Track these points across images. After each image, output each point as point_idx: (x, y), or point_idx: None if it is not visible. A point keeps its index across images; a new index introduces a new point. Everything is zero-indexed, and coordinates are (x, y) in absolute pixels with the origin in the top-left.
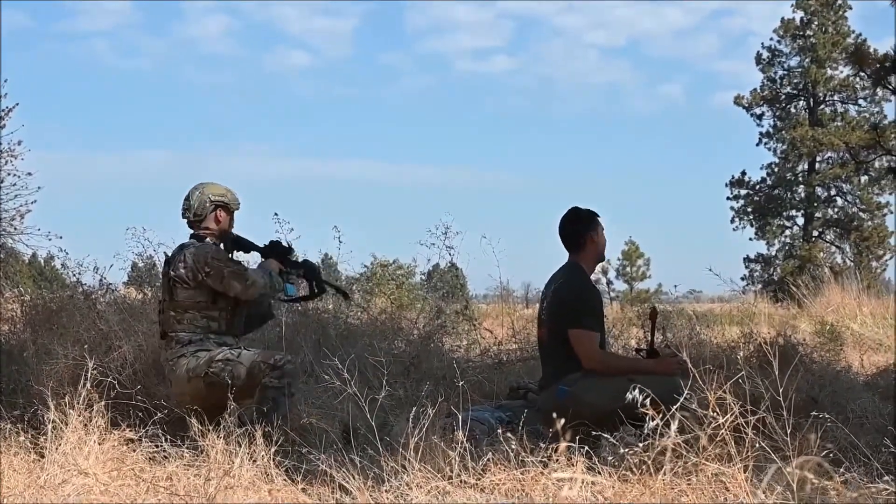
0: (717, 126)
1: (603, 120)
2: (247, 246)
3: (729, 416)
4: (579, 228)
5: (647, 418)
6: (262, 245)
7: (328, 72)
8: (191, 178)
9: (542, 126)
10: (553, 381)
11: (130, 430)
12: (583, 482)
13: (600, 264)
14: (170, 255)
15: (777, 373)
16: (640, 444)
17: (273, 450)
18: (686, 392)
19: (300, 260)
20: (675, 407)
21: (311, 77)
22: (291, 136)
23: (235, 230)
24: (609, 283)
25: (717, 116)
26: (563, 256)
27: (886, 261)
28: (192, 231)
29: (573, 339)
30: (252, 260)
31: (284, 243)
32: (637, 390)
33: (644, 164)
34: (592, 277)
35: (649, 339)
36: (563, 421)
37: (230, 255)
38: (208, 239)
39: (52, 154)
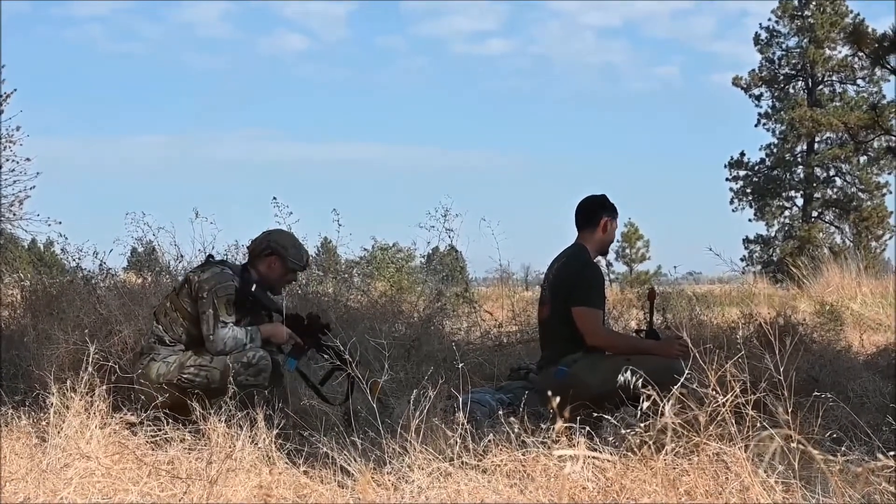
0: (715, 107)
1: (599, 101)
2: (267, 305)
3: (730, 395)
4: (599, 209)
5: (642, 399)
6: (287, 314)
7: (325, 55)
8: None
9: (539, 107)
10: (552, 361)
11: (132, 414)
12: (585, 460)
13: (600, 256)
14: (211, 259)
15: (777, 352)
16: (641, 425)
17: (274, 433)
18: (687, 372)
19: (335, 346)
20: (675, 388)
21: (308, 60)
22: (289, 119)
23: None
24: (608, 265)
25: (715, 97)
26: (563, 237)
27: (886, 241)
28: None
29: (577, 316)
30: None
31: (323, 321)
32: (630, 371)
33: (642, 145)
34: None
35: (648, 320)
36: (558, 399)
37: (248, 298)
38: (255, 275)
39: (50, 139)
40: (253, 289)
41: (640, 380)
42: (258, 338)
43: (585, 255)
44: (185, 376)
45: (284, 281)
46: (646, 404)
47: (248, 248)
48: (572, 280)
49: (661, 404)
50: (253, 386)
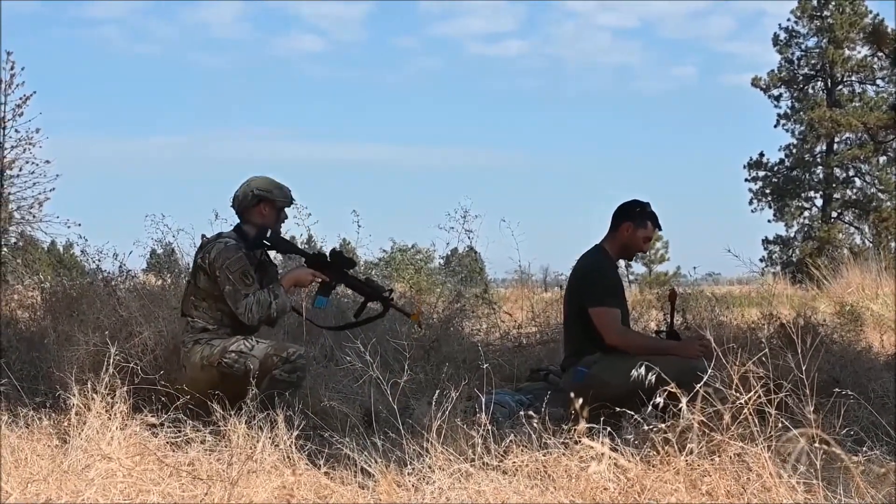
0: (733, 107)
1: (616, 101)
2: (286, 248)
3: (752, 393)
4: (623, 214)
5: (654, 396)
6: (311, 252)
7: (340, 55)
8: (205, 164)
9: (555, 107)
10: (572, 362)
11: (152, 416)
12: (609, 458)
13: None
14: (205, 238)
15: (800, 351)
16: (663, 425)
17: (295, 434)
18: (710, 371)
19: (363, 279)
20: (698, 386)
21: (324, 61)
22: (305, 119)
23: None
24: (628, 265)
25: (733, 98)
26: (582, 237)
27: None
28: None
29: (594, 316)
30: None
31: (346, 255)
32: (650, 371)
33: (660, 145)
34: None
35: (669, 321)
36: (580, 401)
37: (259, 256)
38: (250, 231)
39: (67, 140)
40: (268, 236)
41: (657, 378)
42: (281, 292)
43: (599, 256)
44: (225, 360)
45: (280, 221)
46: (659, 399)
47: (232, 206)
48: (584, 280)
49: (682, 404)
50: (286, 383)
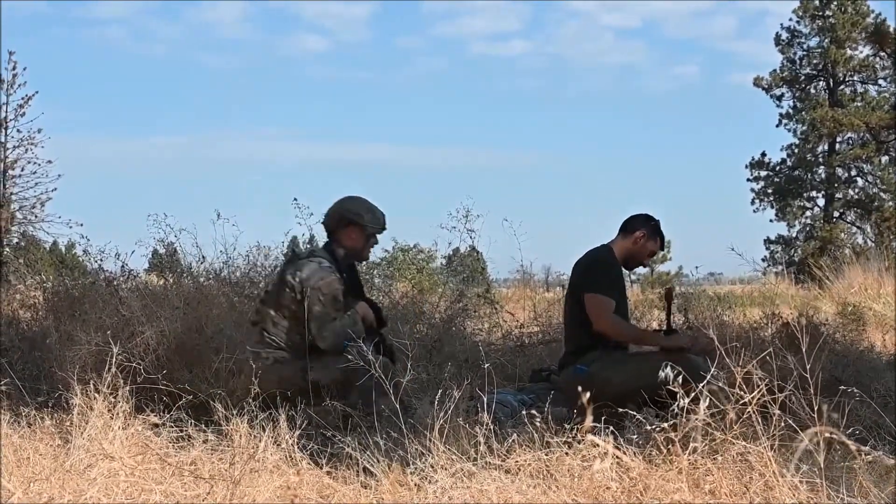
0: (735, 107)
1: (619, 100)
2: (355, 289)
3: (756, 392)
4: (638, 222)
5: (656, 395)
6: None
7: (344, 56)
8: (208, 163)
9: (558, 107)
10: (572, 359)
11: (155, 415)
12: (613, 457)
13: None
14: (296, 250)
15: (804, 351)
16: (666, 424)
17: (297, 433)
18: (713, 370)
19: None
20: (700, 386)
21: (328, 61)
22: (308, 119)
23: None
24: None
25: (735, 97)
26: (584, 237)
27: None
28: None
29: (588, 301)
30: None
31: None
32: (648, 367)
33: (662, 145)
34: None
35: (667, 319)
36: (587, 395)
37: (342, 285)
38: (339, 251)
39: (70, 140)
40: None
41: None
42: (358, 319)
43: (606, 252)
44: (312, 378)
45: (368, 247)
46: (681, 399)
47: (323, 224)
48: (587, 269)
49: (685, 402)
50: (372, 389)
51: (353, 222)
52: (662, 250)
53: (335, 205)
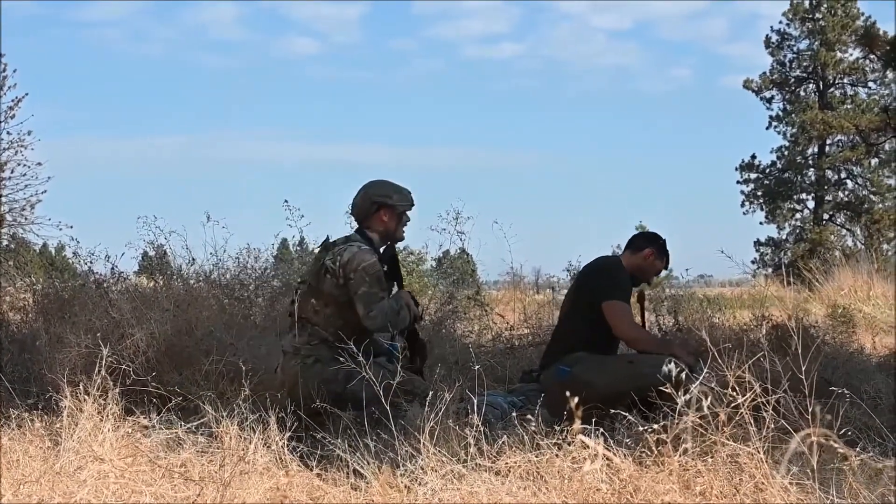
0: (726, 109)
1: (611, 102)
2: (395, 276)
3: (749, 395)
4: (648, 240)
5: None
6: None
7: (337, 57)
8: (204, 164)
9: (551, 109)
10: (556, 358)
11: (144, 417)
12: (603, 458)
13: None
14: (332, 239)
15: (794, 352)
16: (657, 425)
17: (287, 435)
18: (706, 371)
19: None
20: (693, 387)
21: (321, 62)
22: (305, 120)
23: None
24: None
25: (727, 100)
26: (575, 240)
27: None
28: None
29: (608, 309)
30: None
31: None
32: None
33: (653, 147)
34: None
35: (641, 322)
36: (576, 400)
37: (383, 269)
38: (373, 236)
39: (62, 142)
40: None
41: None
42: (404, 305)
43: (617, 262)
44: (350, 388)
45: (401, 226)
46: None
47: (352, 213)
48: (601, 275)
49: (679, 402)
50: (402, 406)
51: (383, 205)
52: (667, 269)
53: (360, 192)
